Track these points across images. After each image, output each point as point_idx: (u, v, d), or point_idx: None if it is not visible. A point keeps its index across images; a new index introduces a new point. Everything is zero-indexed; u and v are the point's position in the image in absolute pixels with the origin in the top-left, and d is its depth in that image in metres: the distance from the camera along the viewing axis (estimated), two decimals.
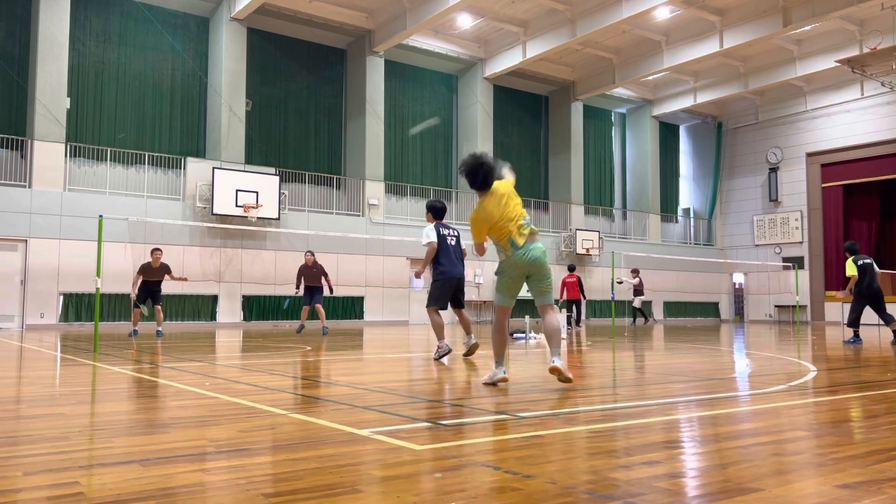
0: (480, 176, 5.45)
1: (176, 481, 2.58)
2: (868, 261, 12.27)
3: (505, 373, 5.53)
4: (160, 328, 13.29)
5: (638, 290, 22.50)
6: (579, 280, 19.61)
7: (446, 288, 8.19)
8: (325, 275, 14.64)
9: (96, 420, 4.05)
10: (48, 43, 18.15)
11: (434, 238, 8.13)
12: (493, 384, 5.47)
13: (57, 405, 4.55)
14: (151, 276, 13.06)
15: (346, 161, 23.85)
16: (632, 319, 23.39)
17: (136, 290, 13.08)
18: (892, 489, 2.50)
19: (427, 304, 8.30)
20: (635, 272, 22.53)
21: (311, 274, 14.56)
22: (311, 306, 14.75)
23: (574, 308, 19.12)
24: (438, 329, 8.15)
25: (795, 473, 2.81)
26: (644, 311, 23.26)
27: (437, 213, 8.42)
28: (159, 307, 13.25)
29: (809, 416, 4.33)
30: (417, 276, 8.77)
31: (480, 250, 5.78)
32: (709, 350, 10.54)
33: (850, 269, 12.21)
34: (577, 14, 21.87)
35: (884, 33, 21.54)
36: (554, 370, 5.20)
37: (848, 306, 12.72)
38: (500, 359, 5.54)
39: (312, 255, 14.78)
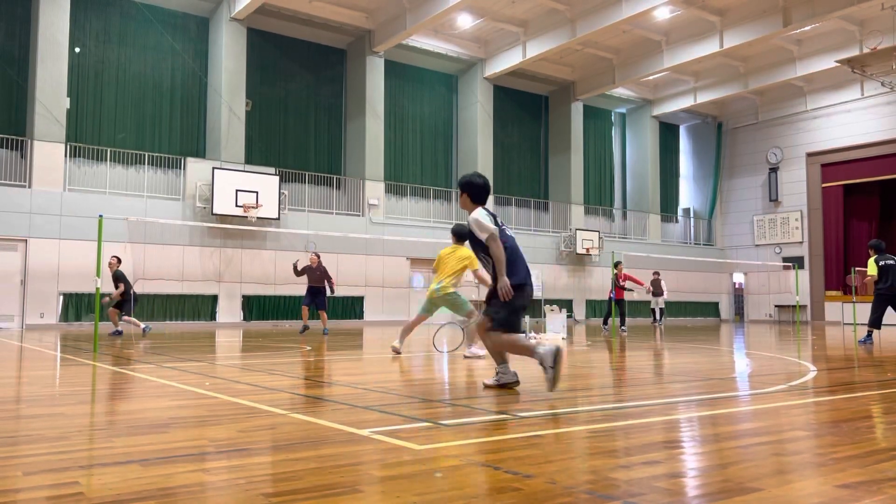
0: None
1: (176, 481, 2.58)
2: (892, 261, 11.93)
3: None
4: (119, 329, 13.67)
5: (656, 292, 22.58)
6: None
7: None
8: (329, 277, 14.55)
9: (96, 420, 4.05)
10: (48, 43, 18.14)
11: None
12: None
13: (57, 405, 4.55)
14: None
15: (346, 161, 23.85)
16: (656, 319, 23.41)
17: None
18: (892, 489, 2.50)
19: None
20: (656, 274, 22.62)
21: (315, 275, 14.44)
22: (312, 306, 14.61)
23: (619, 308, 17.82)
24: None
25: (795, 473, 2.81)
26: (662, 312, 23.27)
27: None
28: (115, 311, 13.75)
29: (809, 416, 4.33)
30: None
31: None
32: (709, 350, 10.54)
33: (871, 269, 11.94)
34: (577, 14, 21.87)
35: (884, 33, 21.53)
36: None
37: (848, 306, 12.72)
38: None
39: (318, 255, 14.67)
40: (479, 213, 5.36)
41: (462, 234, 8.27)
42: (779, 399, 4.98)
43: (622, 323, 17.55)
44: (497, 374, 5.37)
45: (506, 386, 5.31)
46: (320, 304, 14.52)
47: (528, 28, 23.61)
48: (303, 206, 21.89)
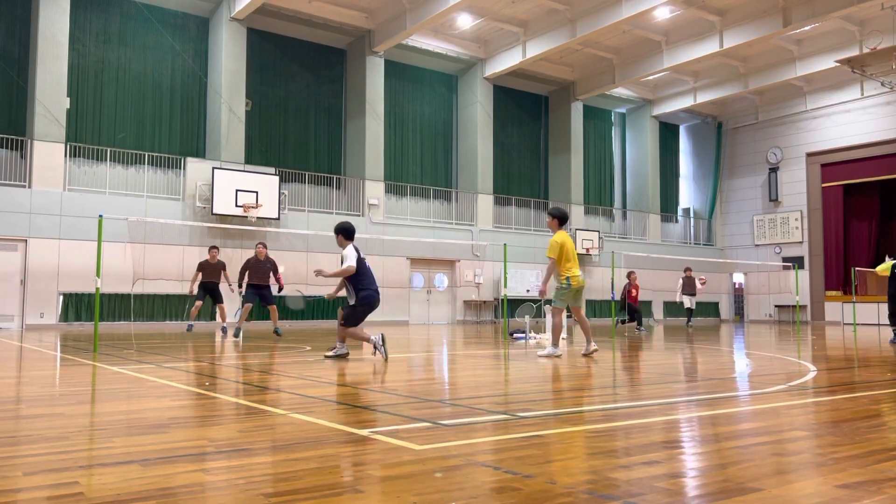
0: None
1: (176, 481, 2.58)
2: None
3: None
4: (225, 325, 13.79)
5: (689, 290, 21.29)
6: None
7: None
8: (276, 270, 12.76)
9: (96, 420, 4.05)
10: (48, 43, 18.14)
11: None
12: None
13: (57, 405, 4.54)
14: (209, 276, 13.51)
15: (346, 161, 23.85)
16: (686, 319, 22.98)
17: (196, 287, 13.56)
18: (892, 489, 2.50)
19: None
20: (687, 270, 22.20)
21: (262, 270, 12.57)
22: (263, 306, 13.03)
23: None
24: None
25: (795, 473, 2.81)
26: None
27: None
28: (223, 306, 13.85)
29: (809, 416, 4.33)
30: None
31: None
32: (709, 350, 10.53)
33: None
34: (577, 14, 21.87)
35: (884, 33, 21.53)
36: None
37: (848, 306, 13.26)
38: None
39: (265, 247, 12.83)
40: (349, 249, 8.65)
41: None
42: (779, 399, 4.98)
43: (639, 323, 18.01)
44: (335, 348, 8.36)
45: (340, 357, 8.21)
46: (270, 301, 12.74)
47: (528, 28, 23.61)
48: (303, 205, 21.89)
